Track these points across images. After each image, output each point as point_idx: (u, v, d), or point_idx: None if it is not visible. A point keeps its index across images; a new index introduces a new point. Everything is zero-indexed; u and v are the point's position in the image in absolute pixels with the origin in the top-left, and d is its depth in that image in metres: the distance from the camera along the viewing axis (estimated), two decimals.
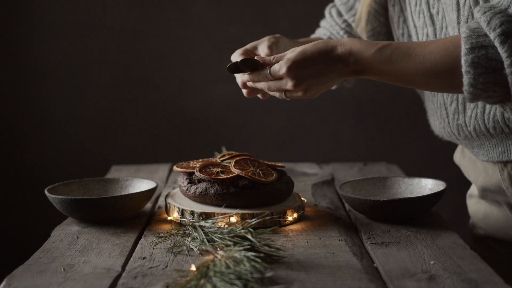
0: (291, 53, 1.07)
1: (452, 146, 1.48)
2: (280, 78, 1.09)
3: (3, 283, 0.94)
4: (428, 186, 1.28)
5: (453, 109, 1.25)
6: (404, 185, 1.31)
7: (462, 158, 1.41)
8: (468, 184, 1.45)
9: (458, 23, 1.15)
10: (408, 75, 1.05)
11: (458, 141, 1.31)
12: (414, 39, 1.31)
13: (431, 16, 1.25)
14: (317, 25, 1.54)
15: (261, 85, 1.13)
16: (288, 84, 1.07)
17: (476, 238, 1.39)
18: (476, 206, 1.38)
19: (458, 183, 1.68)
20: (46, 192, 1.23)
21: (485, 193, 1.33)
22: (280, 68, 1.07)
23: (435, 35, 1.25)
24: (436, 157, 2.41)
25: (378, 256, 1.03)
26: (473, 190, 1.40)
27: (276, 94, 1.12)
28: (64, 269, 0.99)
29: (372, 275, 0.95)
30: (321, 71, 1.07)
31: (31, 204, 2.42)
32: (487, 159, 1.27)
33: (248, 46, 1.22)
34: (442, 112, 1.29)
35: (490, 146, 1.25)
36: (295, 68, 1.06)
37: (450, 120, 1.27)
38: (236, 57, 1.19)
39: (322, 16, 1.52)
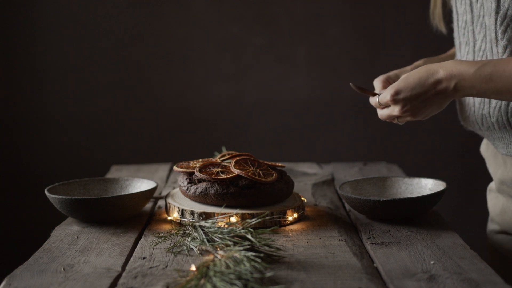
0: (397, 82, 1.14)
1: (452, 146, 1.48)
2: (388, 105, 1.16)
3: (3, 283, 0.94)
4: (428, 186, 1.28)
5: (480, 98, 1.27)
6: (404, 185, 1.31)
7: (486, 150, 1.43)
8: (468, 183, 1.45)
9: (497, 12, 1.19)
10: None
11: (481, 131, 1.33)
12: (455, 25, 1.34)
13: (471, 3, 1.28)
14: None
15: (378, 111, 1.21)
16: (395, 109, 1.15)
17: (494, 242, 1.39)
18: (494, 200, 1.39)
19: (458, 183, 1.68)
20: (46, 192, 1.23)
21: (501, 187, 1.34)
22: (385, 95, 1.15)
23: (472, 22, 1.28)
24: (436, 157, 2.41)
25: (378, 256, 1.03)
26: (493, 183, 1.41)
27: (391, 121, 1.20)
28: (64, 269, 0.99)
29: (372, 275, 0.95)
30: (424, 95, 1.12)
31: (31, 204, 2.42)
32: (506, 153, 1.29)
33: (391, 73, 1.32)
34: (469, 100, 1.32)
35: (510, 139, 1.26)
36: (398, 94, 1.13)
37: (476, 109, 1.29)
38: (376, 82, 1.29)
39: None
